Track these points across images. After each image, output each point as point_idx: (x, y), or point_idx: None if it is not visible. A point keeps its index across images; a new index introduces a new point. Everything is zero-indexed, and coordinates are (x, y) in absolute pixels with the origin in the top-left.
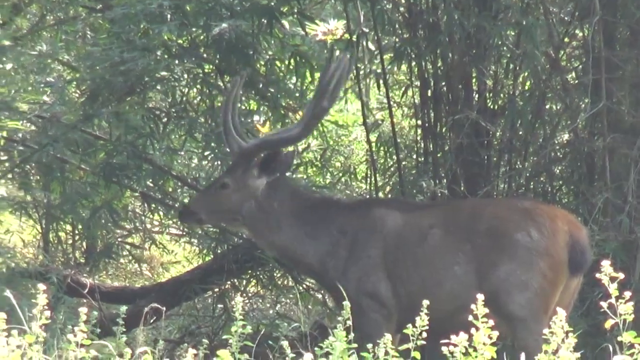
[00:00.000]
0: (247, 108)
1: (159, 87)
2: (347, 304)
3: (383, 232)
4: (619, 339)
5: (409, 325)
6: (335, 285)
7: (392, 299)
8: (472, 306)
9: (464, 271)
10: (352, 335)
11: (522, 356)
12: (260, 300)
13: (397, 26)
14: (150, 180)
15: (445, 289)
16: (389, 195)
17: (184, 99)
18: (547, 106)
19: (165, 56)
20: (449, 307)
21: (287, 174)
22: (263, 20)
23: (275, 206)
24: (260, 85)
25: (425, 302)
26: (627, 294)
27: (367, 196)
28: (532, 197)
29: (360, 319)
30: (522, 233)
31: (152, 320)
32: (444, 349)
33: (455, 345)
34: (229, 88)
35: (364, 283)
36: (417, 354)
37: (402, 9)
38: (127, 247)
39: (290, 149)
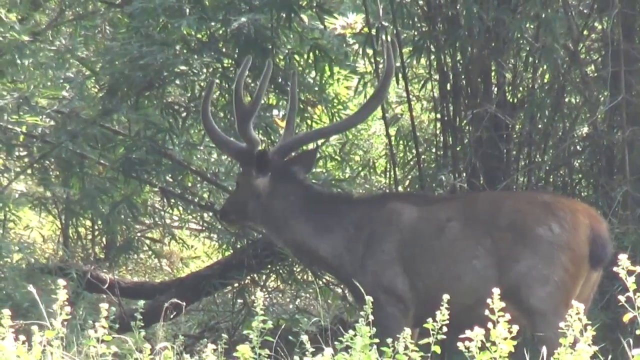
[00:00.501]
0: (267, 102)
1: (177, 82)
2: (369, 298)
3: (399, 226)
4: (638, 332)
5: (429, 320)
6: (352, 280)
7: (409, 293)
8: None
9: (484, 265)
10: (374, 330)
11: (544, 350)
12: (280, 295)
13: (416, 20)
14: (170, 175)
15: (465, 283)
16: (408, 189)
17: (203, 93)
18: (566, 99)
19: (184, 51)
20: (468, 301)
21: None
22: (282, 14)
23: (279, 204)
24: (280, 80)
25: (446, 297)
26: None
27: (382, 190)
28: (552, 190)
29: (378, 313)
30: (544, 227)
31: (172, 316)
32: (460, 344)
33: (470, 340)
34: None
35: (380, 277)
36: (437, 349)
37: (421, 2)
38: (147, 242)
39: (311, 146)
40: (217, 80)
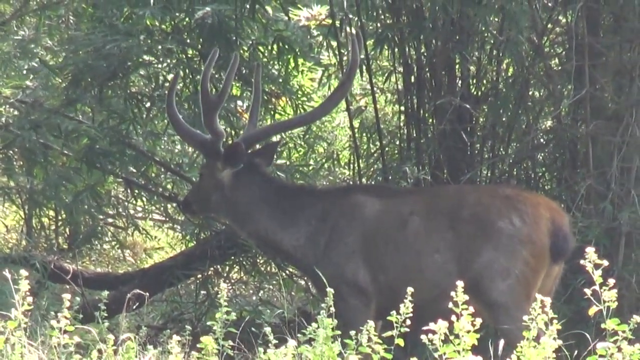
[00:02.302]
0: (231, 93)
1: (141, 72)
2: (330, 290)
3: (362, 219)
4: (603, 326)
5: (393, 313)
6: (314, 272)
7: (371, 286)
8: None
9: (445, 258)
10: (335, 322)
11: (501, 343)
12: (243, 287)
13: (380, 11)
14: (133, 165)
15: (426, 276)
16: (372, 182)
17: (167, 83)
18: (530, 92)
19: (148, 41)
20: (430, 295)
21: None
22: (246, 4)
23: (242, 196)
24: (244, 71)
25: (410, 290)
26: (611, 281)
27: (346, 183)
28: (515, 184)
29: (340, 305)
30: (505, 220)
31: (135, 307)
32: (423, 337)
33: (434, 333)
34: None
35: (342, 269)
36: (400, 341)
37: None
38: (111, 230)
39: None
40: (181, 72)
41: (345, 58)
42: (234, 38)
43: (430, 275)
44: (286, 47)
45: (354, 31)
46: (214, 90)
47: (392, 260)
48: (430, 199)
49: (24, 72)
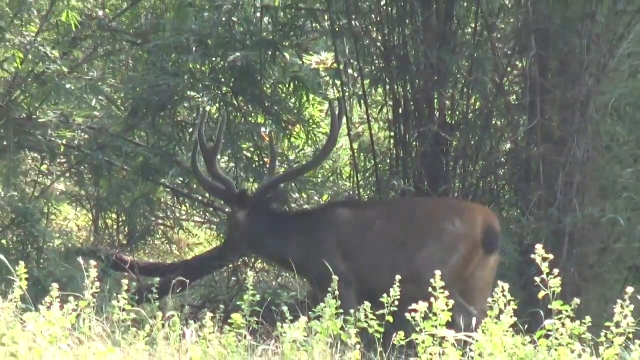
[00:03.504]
0: (255, 121)
1: (185, 104)
2: (336, 278)
3: (336, 226)
4: (550, 307)
5: (385, 295)
6: (315, 276)
7: (350, 274)
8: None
9: (399, 252)
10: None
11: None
12: (266, 274)
13: (374, 57)
14: (179, 178)
15: (385, 266)
16: (368, 192)
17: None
18: (494, 122)
19: (191, 80)
20: (390, 280)
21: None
22: (268, 51)
23: (254, 230)
24: (267, 104)
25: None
26: (556, 271)
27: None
28: (481, 194)
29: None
30: (449, 222)
31: (179, 290)
32: (407, 315)
33: (416, 312)
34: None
35: (326, 266)
36: (390, 318)
37: (379, 44)
38: (161, 229)
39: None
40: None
41: (347, 94)
42: (259, 78)
43: (388, 264)
44: (300, 85)
45: (335, 104)
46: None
47: (362, 253)
48: (392, 207)
49: (93, 104)
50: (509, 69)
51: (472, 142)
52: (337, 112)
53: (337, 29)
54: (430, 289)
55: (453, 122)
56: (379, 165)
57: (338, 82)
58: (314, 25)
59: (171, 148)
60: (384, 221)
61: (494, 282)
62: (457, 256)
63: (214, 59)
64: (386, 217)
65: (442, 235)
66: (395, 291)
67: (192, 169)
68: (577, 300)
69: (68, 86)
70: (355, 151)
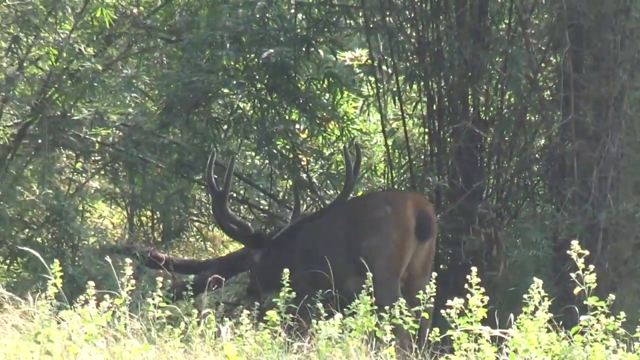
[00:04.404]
0: (289, 118)
1: (220, 101)
2: (369, 274)
3: (297, 238)
4: (585, 302)
5: (420, 292)
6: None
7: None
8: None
9: (347, 246)
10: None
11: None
12: None
13: (409, 53)
14: (214, 176)
15: (338, 260)
16: (402, 188)
17: (240, 110)
18: (528, 117)
19: (225, 77)
20: (344, 271)
21: None
22: (302, 48)
23: (266, 267)
24: (300, 100)
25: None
26: (591, 267)
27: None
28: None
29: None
30: (380, 211)
31: (214, 287)
32: (442, 311)
33: (451, 308)
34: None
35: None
36: (426, 315)
37: (413, 40)
38: (195, 226)
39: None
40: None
41: (381, 90)
42: (293, 74)
43: (341, 259)
44: (334, 81)
45: (350, 146)
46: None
47: (321, 253)
48: (346, 207)
49: (127, 101)
50: (542, 65)
51: (506, 138)
52: (351, 157)
53: (371, 25)
54: (373, 280)
55: (487, 118)
56: (413, 162)
57: (372, 79)
58: (347, 21)
59: (206, 145)
60: (334, 221)
61: (430, 268)
62: (391, 244)
63: (247, 56)
64: (336, 217)
65: (375, 223)
66: (432, 287)
67: (216, 218)
68: (612, 296)
69: (102, 83)
70: (390, 147)
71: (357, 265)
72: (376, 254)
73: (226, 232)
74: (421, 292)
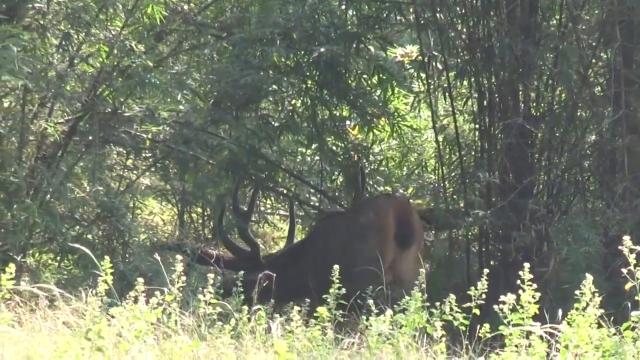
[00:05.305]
0: (341, 114)
1: (270, 99)
2: (421, 270)
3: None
4: (636, 298)
5: (472, 288)
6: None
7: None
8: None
9: (343, 251)
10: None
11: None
12: None
13: (459, 50)
14: (264, 172)
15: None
16: (453, 184)
17: (291, 108)
18: (578, 113)
19: (276, 73)
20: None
21: None
22: (353, 44)
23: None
24: (351, 97)
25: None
26: None
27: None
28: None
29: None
30: (363, 216)
31: (264, 284)
32: (495, 307)
33: (504, 303)
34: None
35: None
36: (477, 311)
37: (463, 36)
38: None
39: None
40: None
41: (432, 86)
42: (344, 71)
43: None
44: (384, 77)
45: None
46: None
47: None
48: (343, 215)
49: (178, 98)
50: (593, 60)
51: (557, 134)
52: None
53: (422, 22)
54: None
55: (538, 114)
56: (464, 158)
57: (423, 75)
58: (398, 17)
59: (256, 142)
60: (337, 227)
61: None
62: (368, 248)
63: (298, 53)
64: (340, 222)
65: (359, 228)
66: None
67: (217, 230)
68: None
69: (153, 80)
70: (440, 143)
71: (347, 270)
72: (356, 257)
73: (232, 252)
74: (473, 288)
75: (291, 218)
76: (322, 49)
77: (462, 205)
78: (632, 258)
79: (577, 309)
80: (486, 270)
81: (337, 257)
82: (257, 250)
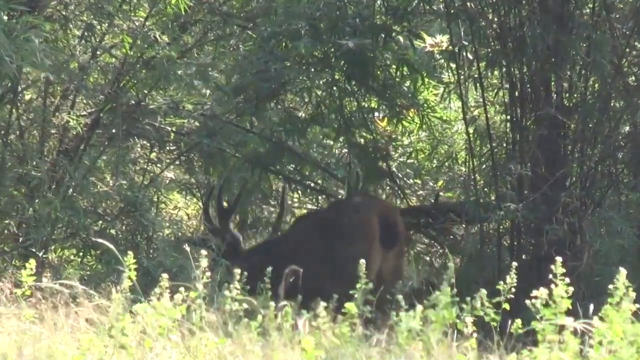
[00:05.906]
0: (369, 106)
1: (296, 90)
2: (451, 265)
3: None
4: None
5: (501, 282)
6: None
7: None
8: None
9: (327, 253)
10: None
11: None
12: None
13: (490, 39)
14: (292, 165)
15: (317, 263)
16: (484, 177)
17: (318, 100)
18: (612, 104)
19: (303, 66)
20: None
21: None
22: (381, 35)
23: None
24: (380, 88)
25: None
26: None
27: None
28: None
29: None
30: (346, 218)
31: (291, 279)
32: (527, 302)
33: (536, 298)
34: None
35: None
36: (506, 306)
37: (494, 25)
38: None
39: None
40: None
41: (462, 77)
42: (371, 62)
43: (318, 264)
44: (412, 68)
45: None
46: None
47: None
48: (319, 214)
49: (203, 90)
50: (627, 50)
51: (590, 125)
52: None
53: (452, 11)
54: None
55: (570, 105)
56: (495, 150)
57: (453, 65)
58: (426, 7)
59: (283, 135)
60: (322, 226)
61: (401, 275)
62: (354, 249)
63: (325, 45)
64: (324, 222)
65: (344, 230)
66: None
67: (203, 217)
68: None
69: (178, 72)
70: (471, 135)
71: (332, 270)
72: (344, 258)
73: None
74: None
75: (282, 206)
76: (350, 44)
77: (493, 198)
78: None
79: (610, 303)
80: (515, 264)
81: (318, 257)
82: (237, 242)
